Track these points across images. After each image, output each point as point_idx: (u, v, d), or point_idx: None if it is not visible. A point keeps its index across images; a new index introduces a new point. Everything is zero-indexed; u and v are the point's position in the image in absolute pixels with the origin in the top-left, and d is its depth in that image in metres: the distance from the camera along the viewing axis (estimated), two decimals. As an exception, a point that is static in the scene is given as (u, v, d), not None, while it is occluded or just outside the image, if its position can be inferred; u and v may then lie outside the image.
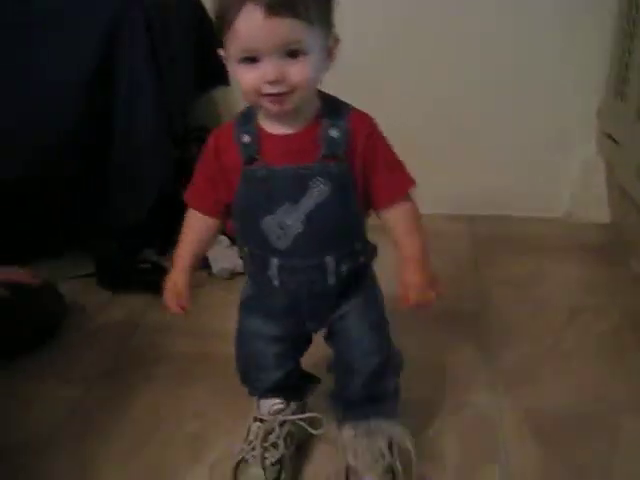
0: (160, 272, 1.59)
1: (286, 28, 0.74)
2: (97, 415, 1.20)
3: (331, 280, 0.90)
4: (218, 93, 1.94)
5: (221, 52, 0.81)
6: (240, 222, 0.92)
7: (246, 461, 1.00)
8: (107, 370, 1.33)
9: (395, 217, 0.90)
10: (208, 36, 1.76)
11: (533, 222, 1.93)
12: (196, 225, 0.95)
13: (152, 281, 1.57)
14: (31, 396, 1.24)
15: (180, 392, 1.25)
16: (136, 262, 1.68)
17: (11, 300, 1.29)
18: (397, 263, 0.92)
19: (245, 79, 0.78)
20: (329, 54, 0.81)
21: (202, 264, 1.65)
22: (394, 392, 1.03)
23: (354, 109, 0.87)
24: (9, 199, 1.60)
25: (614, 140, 1.70)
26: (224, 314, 1.40)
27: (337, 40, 0.82)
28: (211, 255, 1.67)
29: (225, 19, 0.76)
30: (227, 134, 0.88)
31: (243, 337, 1.03)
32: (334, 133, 0.84)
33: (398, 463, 0.98)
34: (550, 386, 1.25)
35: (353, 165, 0.85)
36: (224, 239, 1.68)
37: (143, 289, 1.59)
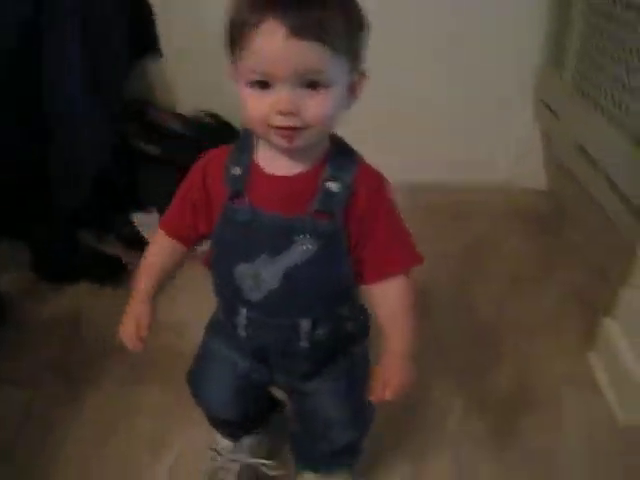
0: (100, 258, 1.57)
1: (310, 54, 0.64)
2: (51, 417, 1.17)
3: (304, 344, 0.80)
4: (152, 64, 1.88)
5: (229, 68, 0.70)
6: (215, 260, 0.81)
7: None
8: (56, 368, 1.30)
9: (383, 296, 0.77)
10: (139, 3, 1.70)
11: (473, 190, 1.96)
12: (164, 251, 0.83)
13: (93, 268, 1.55)
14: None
15: (132, 388, 1.24)
16: (75, 249, 1.62)
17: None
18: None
19: (254, 106, 0.68)
20: (352, 91, 0.71)
21: (142, 247, 1.62)
22: (363, 440, 0.95)
23: (364, 163, 0.76)
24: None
25: (551, 110, 1.72)
26: (170, 303, 1.39)
27: (363, 76, 0.72)
28: (150, 238, 1.63)
29: (240, 32, 0.65)
30: (219, 160, 0.77)
31: (202, 353, 0.92)
32: (334, 187, 0.73)
33: None
34: (494, 361, 1.29)
35: (348, 226, 0.74)
36: (154, 213, 1.64)
37: (83, 277, 1.55)
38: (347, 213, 0.73)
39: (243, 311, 0.80)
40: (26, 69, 1.45)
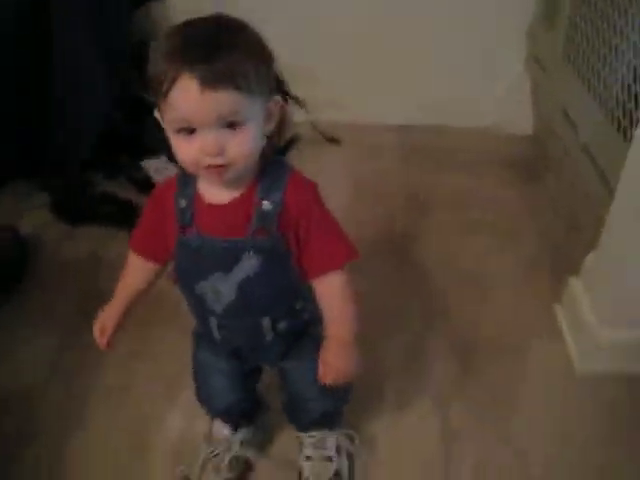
0: (114, 203, 1.68)
1: (224, 101, 0.71)
2: (79, 359, 1.32)
3: (269, 337, 0.91)
4: (155, 4, 1.92)
5: (156, 114, 0.79)
6: (179, 280, 0.91)
7: (188, 479, 1.09)
8: (78, 308, 1.44)
9: (323, 291, 0.86)
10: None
11: (462, 133, 2.06)
12: (136, 270, 0.94)
13: (108, 212, 1.67)
14: (11, 347, 1.35)
15: (150, 332, 1.38)
16: (89, 194, 1.74)
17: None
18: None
19: (183, 151, 0.76)
20: (269, 118, 0.79)
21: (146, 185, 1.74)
22: (340, 407, 1.09)
23: (293, 176, 0.83)
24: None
25: (542, 66, 1.81)
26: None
27: (277, 103, 0.80)
28: (153, 173, 1.74)
29: (160, 87, 0.72)
30: (169, 193, 0.86)
31: (196, 365, 1.05)
32: (267, 206, 0.81)
33: (345, 466, 1.11)
34: (469, 309, 1.45)
35: (286, 236, 0.83)
36: (172, 166, 1.74)
37: (99, 220, 1.66)
38: (282, 225, 0.82)
39: (213, 319, 0.91)
40: (32, 19, 1.51)
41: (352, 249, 0.85)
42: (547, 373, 1.32)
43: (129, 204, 1.68)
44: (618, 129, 1.33)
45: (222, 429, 1.11)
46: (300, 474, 1.09)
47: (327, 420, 1.10)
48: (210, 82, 0.70)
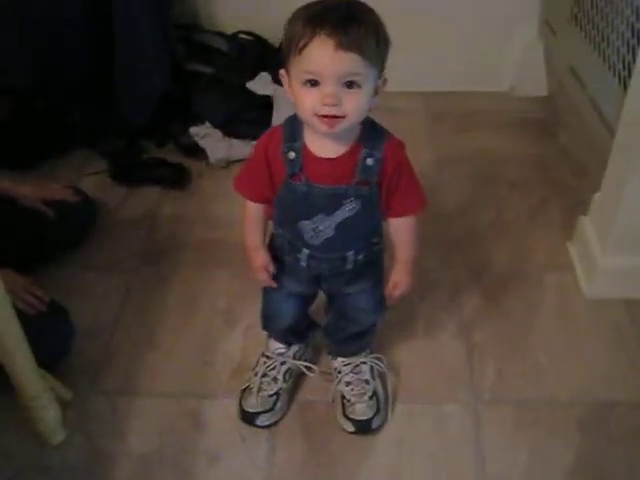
0: (166, 166, 1.87)
1: (351, 62, 0.84)
2: (145, 297, 1.52)
3: (349, 266, 1.09)
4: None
5: (281, 71, 0.92)
6: (279, 216, 1.07)
7: (250, 389, 1.24)
8: (142, 258, 1.63)
9: (400, 228, 1.07)
10: None
11: (483, 96, 2.22)
12: (253, 213, 1.08)
13: (161, 175, 1.85)
14: (85, 285, 1.54)
15: (206, 274, 1.56)
16: (143, 158, 1.92)
17: (57, 221, 1.53)
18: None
19: (306, 99, 0.88)
20: (375, 92, 0.91)
21: (199, 155, 1.92)
22: (375, 327, 1.26)
23: (390, 137, 0.99)
24: (24, 105, 1.82)
25: (552, 29, 1.95)
26: (227, 202, 1.73)
27: (385, 81, 0.93)
28: (207, 147, 1.91)
29: (295, 44, 0.85)
30: (276, 144, 0.98)
31: (267, 287, 1.17)
32: (370, 161, 0.96)
33: (379, 385, 1.26)
34: (491, 250, 1.62)
35: (380, 186, 1.00)
36: (217, 132, 1.93)
37: (154, 183, 1.85)
38: (379, 178, 0.99)
39: (305, 251, 1.07)
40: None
41: (425, 200, 1.05)
42: (559, 299, 1.48)
43: (180, 167, 1.86)
44: (619, 81, 1.48)
45: (277, 345, 1.29)
46: (342, 397, 1.25)
47: (367, 335, 1.27)
48: (343, 44, 0.83)
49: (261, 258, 1.11)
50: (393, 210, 1.05)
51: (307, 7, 0.89)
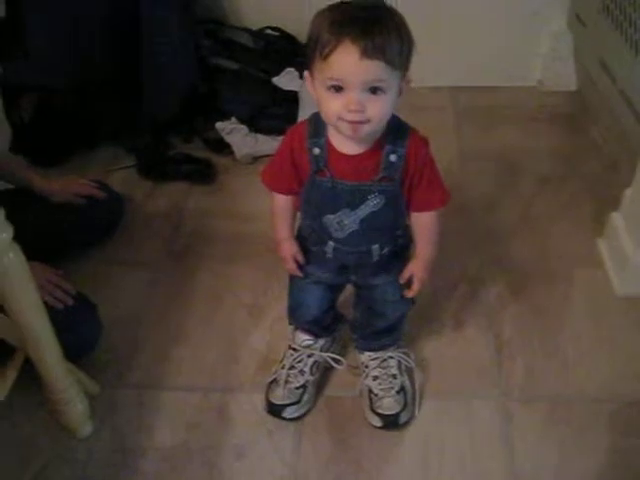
0: (192, 162, 1.87)
1: (376, 69, 0.85)
2: (171, 292, 1.52)
3: (375, 259, 1.10)
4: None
5: (305, 73, 0.93)
6: (306, 209, 1.08)
7: (277, 382, 1.24)
8: (168, 252, 1.64)
9: (421, 223, 1.08)
10: None
11: (510, 91, 2.18)
12: (281, 205, 1.09)
13: (187, 170, 1.86)
14: (112, 279, 1.55)
15: (232, 269, 1.56)
16: (170, 153, 1.93)
17: (84, 216, 1.56)
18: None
19: (330, 105, 0.89)
20: (400, 93, 0.92)
21: (225, 151, 1.92)
22: (404, 320, 1.26)
23: (413, 133, 0.99)
24: (53, 103, 1.84)
25: (582, 22, 1.92)
26: (253, 197, 1.73)
27: (409, 81, 0.93)
28: (233, 142, 1.91)
29: (320, 50, 0.86)
30: (301, 139, 1.00)
31: (294, 276, 1.19)
32: (393, 158, 0.97)
33: (407, 380, 1.25)
34: (520, 245, 1.60)
35: (404, 182, 1.01)
36: (243, 127, 1.93)
37: (181, 178, 1.85)
38: (403, 174, 1.00)
39: (331, 243, 1.08)
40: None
41: (448, 195, 1.05)
42: (590, 296, 1.46)
43: (206, 162, 1.87)
44: (652, 73, 1.46)
45: (304, 337, 1.29)
46: (370, 391, 1.24)
47: (395, 330, 1.26)
48: (368, 52, 0.84)
49: (290, 248, 1.12)
50: (415, 205, 1.06)
51: (331, 9, 0.88)
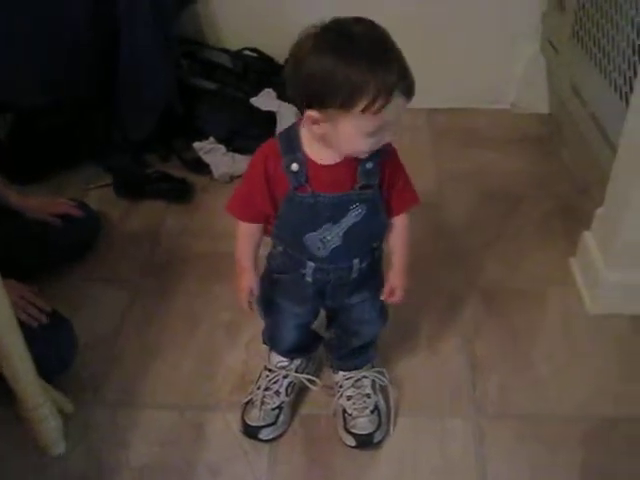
0: (169, 181, 1.88)
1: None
2: (148, 310, 1.52)
3: (354, 275, 1.09)
4: (200, 6, 2.12)
5: (311, 113, 0.88)
6: (282, 232, 1.05)
7: (252, 403, 1.23)
8: (145, 270, 1.64)
9: (399, 227, 1.09)
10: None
11: (484, 114, 2.23)
12: (249, 233, 1.07)
13: (165, 189, 1.86)
14: (88, 297, 1.55)
15: (209, 288, 1.57)
16: (147, 172, 1.93)
17: (61, 233, 1.56)
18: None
19: (363, 145, 0.91)
20: None
21: (203, 170, 1.93)
22: (376, 340, 1.27)
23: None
24: (31, 121, 1.84)
25: (554, 47, 1.97)
26: (230, 216, 1.72)
27: None
28: (211, 162, 1.93)
29: (365, 102, 0.84)
30: (275, 159, 0.97)
31: (270, 306, 1.18)
32: (369, 165, 0.97)
33: (381, 399, 1.25)
34: (494, 264, 1.62)
35: (382, 189, 1.02)
36: (221, 147, 1.94)
37: (158, 197, 1.85)
38: (380, 181, 1.01)
39: (311, 264, 1.07)
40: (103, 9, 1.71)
41: (417, 197, 1.08)
42: (563, 314, 1.48)
43: (183, 181, 1.87)
44: (620, 97, 1.49)
45: (280, 359, 1.28)
46: (344, 411, 1.24)
47: (366, 349, 1.27)
48: (410, 95, 0.87)
49: (248, 279, 1.10)
50: (395, 208, 1.07)
51: (337, 49, 0.84)
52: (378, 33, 0.88)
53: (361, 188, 0.99)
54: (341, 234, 1.02)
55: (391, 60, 0.85)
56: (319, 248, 1.04)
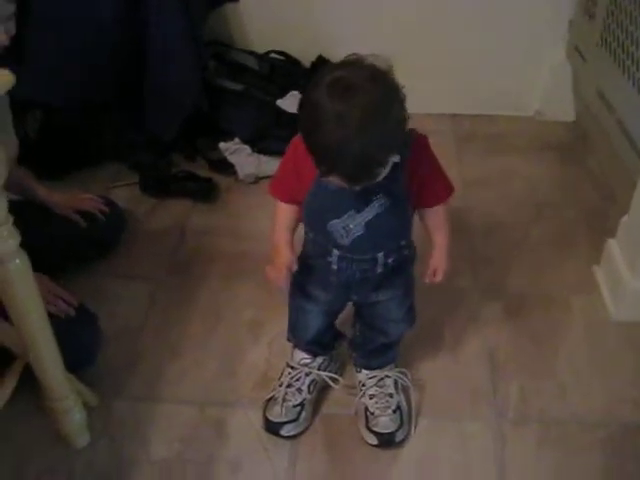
0: (195, 180, 1.89)
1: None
2: (171, 306, 1.53)
3: (379, 269, 1.11)
4: (228, 8, 2.14)
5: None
6: (309, 218, 1.09)
7: (275, 399, 1.24)
8: (169, 267, 1.65)
9: (433, 216, 1.12)
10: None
11: (508, 120, 2.22)
12: (284, 214, 1.10)
13: (190, 188, 1.88)
14: (112, 292, 1.56)
15: (232, 286, 1.58)
16: (173, 171, 1.95)
17: (87, 229, 1.57)
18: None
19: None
20: None
21: (228, 171, 1.94)
22: (400, 340, 1.28)
23: (416, 135, 1.03)
24: (59, 118, 1.87)
25: (581, 54, 1.96)
26: (255, 216, 1.75)
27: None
28: (236, 162, 1.94)
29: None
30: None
31: (295, 295, 1.21)
32: (396, 158, 0.95)
33: (403, 400, 1.26)
34: (517, 270, 1.62)
35: (408, 182, 1.03)
36: (246, 147, 1.95)
37: (183, 196, 1.87)
38: (406, 174, 1.02)
39: (335, 251, 1.09)
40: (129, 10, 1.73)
41: (452, 187, 1.10)
42: (586, 321, 1.48)
43: (209, 181, 1.89)
44: (649, 103, 1.49)
45: (302, 356, 1.29)
46: (366, 409, 1.25)
47: (390, 348, 1.27)
48: (350, 184, 0.95)
49: (287, 255, 1.09)
50: (426, 201, 1.09)
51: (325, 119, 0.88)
52: (368, 107, 0.87)
53: (386, 180, 0.98)
54: (363, 223, 1.04)
55: (347, 153, 0.87)
56: (342, 236, 1.06)
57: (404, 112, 0.92)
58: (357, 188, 0.95)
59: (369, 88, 0.88)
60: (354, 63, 0.91)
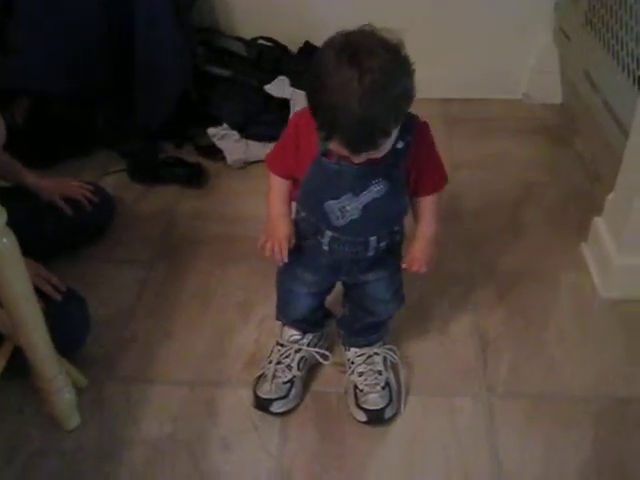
0: (184, 166, 1.89)
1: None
2: (161, 290, 1.54)
3: (371, 252, 1.11)
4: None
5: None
6: (305, 196, 1.09)
7: (264, 376, 1.25)
8: (159, 252, 1.65)
9: (424, 204, 1.11)
10: None
11: (496, 103, 2.23)
12: (278, 188, 1.11)
13: (179, 174, 1.88)
14: (103, 277, 1.57)
15: (222, 269, 1.58)
16: (161, 157, 1.95)
17: (76, 216, 1.57)
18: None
19: None
20: None
21: (217, 156, 1.94)
22: (390, 319, 1.28)
23: (419, 122, 1.03)
24: (47, 106, 1.86)
25: (566, 35, 1.97)
26: (243, 200, 1.75)
27: None
28: (224, 148, 1.94)
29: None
30: (309, 120, 0.96)
31: (283, 276, 1.22)
32: (400, 144, 0.98)
33: (392, 377, 1.27)
34: (507, 250, 1.63)
35: (409, 169, 1.03)
36: (234, 133, 1.95)
37: (172, 182, 1.87)
38: (408, 160, 1.02)
39: (328, 232, 1.09)
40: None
41: (446, 177, 1.11)
42: (575, 298, 1.49)
43: (197, 166, 1.89)
44: (633, 83, 1.49)
45: (292, 332, 1.30)
46: (355, 387, 1.25)
47: (378, 327, 1.28)
48: (353, 152, 0.95)
49: (286, 226, 1.10)
50: (422, 189, 1.09)
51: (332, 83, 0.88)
52: (383, 74, 0.87)
53: (387, 165, 1.00)
54: (360, 207, 1.04)
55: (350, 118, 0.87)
56: (338, 217, 1.06)
57: (412, 86, 0.92)
58: (358, 159, 0.94)
59: (380, 53, 0.88)
60: (367, 31, 0.91)
